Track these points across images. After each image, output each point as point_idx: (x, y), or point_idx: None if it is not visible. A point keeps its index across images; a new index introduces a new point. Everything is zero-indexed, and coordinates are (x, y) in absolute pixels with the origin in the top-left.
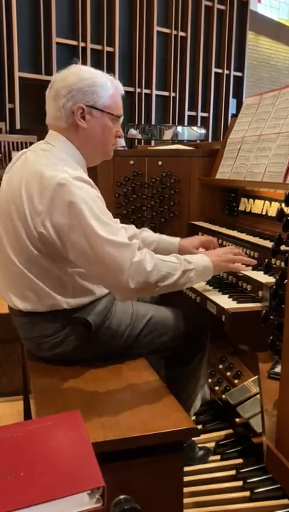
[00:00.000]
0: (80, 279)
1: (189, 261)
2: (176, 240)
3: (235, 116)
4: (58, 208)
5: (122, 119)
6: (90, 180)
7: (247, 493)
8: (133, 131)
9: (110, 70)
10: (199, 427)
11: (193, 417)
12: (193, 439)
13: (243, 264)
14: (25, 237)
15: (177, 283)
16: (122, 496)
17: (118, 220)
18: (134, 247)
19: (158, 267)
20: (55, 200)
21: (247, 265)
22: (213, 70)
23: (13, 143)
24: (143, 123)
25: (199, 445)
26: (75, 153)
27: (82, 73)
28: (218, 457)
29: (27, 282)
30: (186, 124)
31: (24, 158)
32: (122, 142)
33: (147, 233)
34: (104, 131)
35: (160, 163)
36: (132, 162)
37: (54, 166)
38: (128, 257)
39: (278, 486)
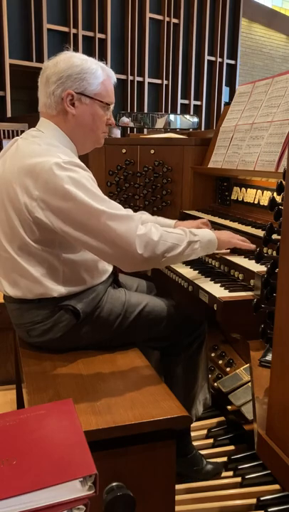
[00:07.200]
0: (72, 267)
1: (194, 233)
2: (172, 222)
3: (228, 104)
4: (53, 192)
5: (112, 106)
6: (83, 164)
7: (238, 479)
8: (125, 119)
9: (102, 57)
10: None
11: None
12: (201, 452)
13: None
14: (19, 224)
15: (183, 254)
16: (114, 483)
17: (131, 210)
18: (137, 218)
19: (164, 238)
20: (50, 184)
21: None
22: (206, 57)
23: (4, 131)
24: (135, 111)
25: (209, 460)
26: (65, 140)
27: (72, 60)
28: (210, 444)
29: (18, 269)
30: (178, 112)
31: (16, 145)
32: (117, 133)
33: (145, 216)
34: (94, 118)
35: (152, 151)
36: (124, 150)
37: (46, 152)
38: (132, 229)
39: (268, 472)
